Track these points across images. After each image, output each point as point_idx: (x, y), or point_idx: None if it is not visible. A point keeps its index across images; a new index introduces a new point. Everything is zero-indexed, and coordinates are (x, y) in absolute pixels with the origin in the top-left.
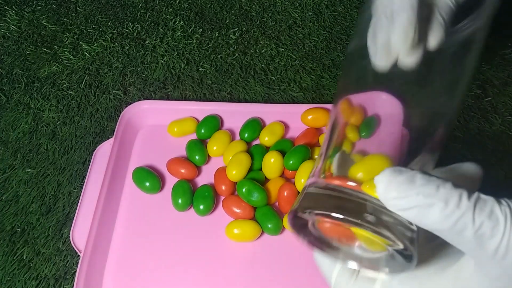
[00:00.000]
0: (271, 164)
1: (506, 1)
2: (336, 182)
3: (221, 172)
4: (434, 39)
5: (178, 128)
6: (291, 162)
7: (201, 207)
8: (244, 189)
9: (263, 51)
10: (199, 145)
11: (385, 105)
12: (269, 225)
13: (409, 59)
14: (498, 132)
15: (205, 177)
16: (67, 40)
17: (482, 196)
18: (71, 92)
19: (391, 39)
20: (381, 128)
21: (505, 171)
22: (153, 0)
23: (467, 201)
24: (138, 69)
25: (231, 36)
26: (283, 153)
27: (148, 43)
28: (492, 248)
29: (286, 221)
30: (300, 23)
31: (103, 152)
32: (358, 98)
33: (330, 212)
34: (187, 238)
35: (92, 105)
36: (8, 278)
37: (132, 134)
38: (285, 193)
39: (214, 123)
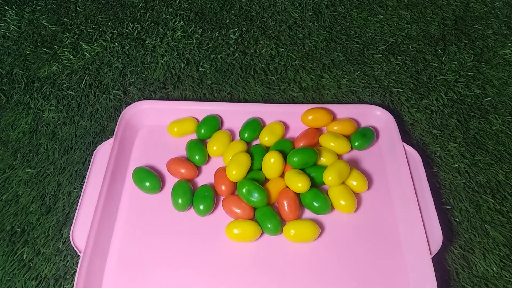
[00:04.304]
0: (271, 164)
1: (506, 3)
2: None
3: (221, 172)
4: None
5: (178, 128)
6: (294, 159)
7: (201, 207)
8: (244, 189)
9: (263, 51)
10: (199, 145)
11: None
12: (269, 225)
13: None
14: (498, 132)
15: (205, 177)
16: (67, 40)
17: None
18: (71, 92)
19: None
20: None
21: (505, 171)
22: (153, 0)
23: None
24: (138, 69)
25: (231, 36)
26: (283, 153)
27: (148, 43)
28: None
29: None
30: (300, 23)
31: (103, 152)
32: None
33: None
34: (187, 238)
35: (92, 105)
36: (8, 278)
37: (132, 134)
38: (285, 202)
39: (214, 123)
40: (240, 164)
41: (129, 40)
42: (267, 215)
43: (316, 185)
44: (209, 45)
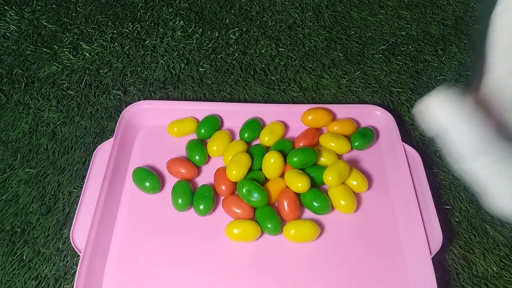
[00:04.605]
0: (271, 164)
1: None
2: None
3: (221, 172)
4: None
5: (178, 128)
6: (294, 159)
7: (201, 207)
8: (244, 189)
9: (263, 51)
10: (199, 145)
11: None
12: (269, 225)
13: None
14: None
15: (205, 177)
16: (67, 40)
17: None
18: (71, 92)
19: None
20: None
21: None
22: (153, 0)
23: None
24: (138, 69)
25: (231, 36)
26: (283, 153)
27: (148, 43)
28: None
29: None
30: (300, 23)
31: (103, 152)
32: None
33: None
34: (187, 238)
35: (92, 105)
36: (8, 278)
37: (132, 134)
38: (285, 202)
39: (214, 123)
40: (240, 164)
41: (129, 40)
42: (267, 215)
43: (316, 185)
44: (209, 45)
